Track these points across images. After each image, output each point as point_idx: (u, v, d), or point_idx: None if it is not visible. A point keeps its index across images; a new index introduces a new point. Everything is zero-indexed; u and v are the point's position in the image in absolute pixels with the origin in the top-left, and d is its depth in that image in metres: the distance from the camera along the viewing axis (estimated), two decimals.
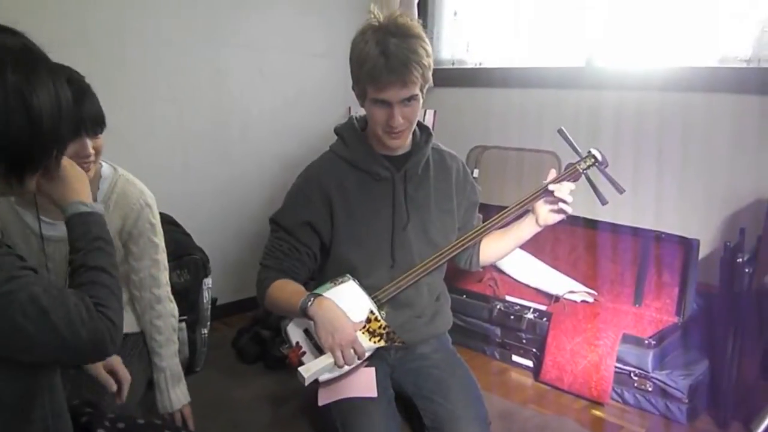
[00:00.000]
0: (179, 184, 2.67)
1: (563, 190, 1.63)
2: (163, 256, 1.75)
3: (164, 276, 1.76)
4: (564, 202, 1.63)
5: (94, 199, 1.58)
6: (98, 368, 1.31)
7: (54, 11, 2.18)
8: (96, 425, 1.24)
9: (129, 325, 1.75)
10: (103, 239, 1.12)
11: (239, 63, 2.81)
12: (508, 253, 1.85)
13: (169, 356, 1.75)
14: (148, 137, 2.54)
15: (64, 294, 0.94)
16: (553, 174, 1.69)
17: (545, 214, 1.68)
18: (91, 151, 1.43)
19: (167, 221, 2.30)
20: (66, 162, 1.13)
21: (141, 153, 2.45)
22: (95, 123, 1.43)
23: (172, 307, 1.79)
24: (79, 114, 1.38)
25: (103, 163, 1.64)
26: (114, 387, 1.29)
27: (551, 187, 1.64)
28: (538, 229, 1.72)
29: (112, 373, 1.31)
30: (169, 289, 1.78)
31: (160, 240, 1.73)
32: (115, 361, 1.33)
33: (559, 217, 1.67)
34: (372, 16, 1.55)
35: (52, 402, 1.02)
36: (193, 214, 2.62)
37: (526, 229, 1.73)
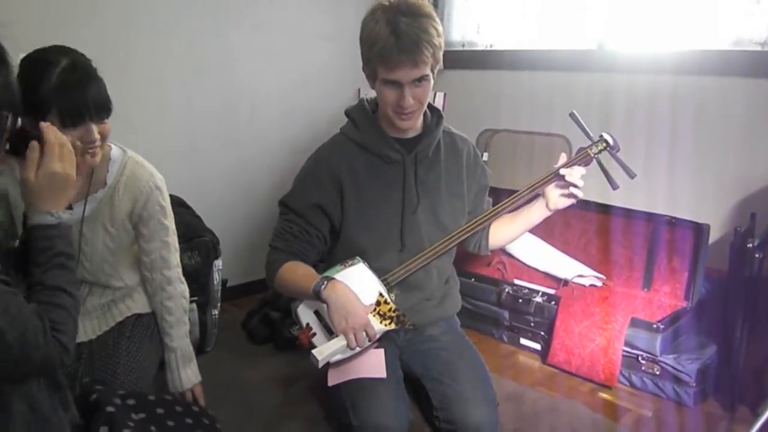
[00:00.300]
0: (189, 166, 2.67)
1: (574, 174, 1.63)
2: (173, 238, 1.75)
3: (175, 257, 1.77)
4: (575, 186, 1.63)
5: (103, 183, 1.60)
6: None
7: None
8: (105, 403, 1.25)
9: (141, 305, 1.78)
10: (65, 255, 1.08)
11: (248, 45, 2.81)
12: (517, 237, 1.85)
13: (180, 336, 1.77)
14: (157, 120, 2.55)
15: (23, 315, 0.93)
16: (563, 158, 1.68)
17: (556, 198, 1.68)
18: (97, 136, 1.43)
19: (178, 203, 2.32)
20: (58, 166, 1.08)
21: (150, 136, 2.45)
22: (100, 109, 1.41)
23: (183, 288, 1.80)
24: (83, 99, 1.37)
25: (112, 146, 1.64)
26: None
27: (562, 171, 1.63)
28: (548, 214, 1.71)
29: None
30: (180, 270, 1.79)
31: (170, 222, 1.74)
32: None
33: (570, 201, 1.67)
34: None
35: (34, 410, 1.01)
36: (203, 196, 2.63)
37: (536, 213, 1.73)
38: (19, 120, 1.01)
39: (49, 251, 1.07)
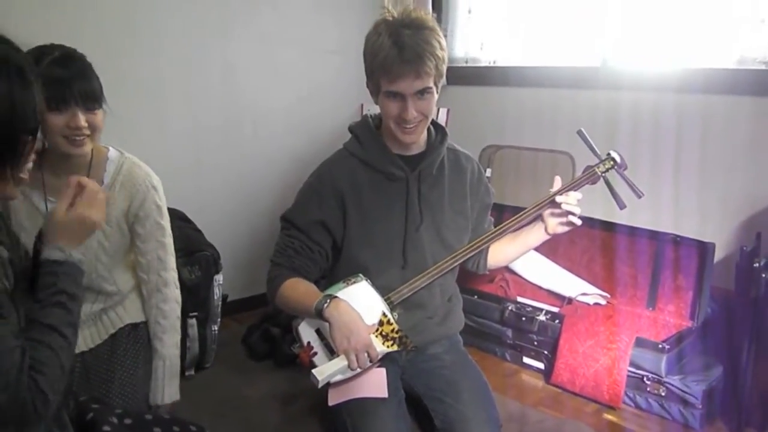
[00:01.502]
0: (191, 180, 2.66)
1: (570, 201, 1.61)
2: (170, 240, 1.75)
3: (171, 260, 1.75)
4: (572, 213, 1.61)
5: (100, 182, 1.60)
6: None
7: (67, 2, 2.18)
8: (102, 422, 1.23)
9: (134, 314, 1.76)
10: (66, 293, 1.07)
11: (251, 58, 2.81)
12: (515, 259, 1.85)
13: (171, 345, 1.74)
14: (159, 133, 2.54)
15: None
16: (558, 182, 1.66)
17: (554, 224, 1.66)
18: (84, 124, 1.46)
19: (179, 217, 2.31)
20: (92, 213, 1.13)
21: (152, 148, 2.42)
22: (87, 97, 1.45)
23: (178, 294, 1.78)
24: (68, 84, 1.42)
25: (110, 148, 1.66)
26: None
27: (558, 199, 1.61)
28: (547, 238, 1.70)
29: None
30: (176, 275, 1.78)
31: (166, 223, 1.73)
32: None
33: (567, 228, 1.65)
34: (386, 11, 1.54)
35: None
36: (204, 210, 2.61)
37: (535, 236, 1.71)
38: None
39: (52, 288, 1.06)
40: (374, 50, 1.51)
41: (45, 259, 1.09)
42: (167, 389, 1.71)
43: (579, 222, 1.62)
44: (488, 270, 1.86)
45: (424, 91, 1.52)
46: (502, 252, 1.80)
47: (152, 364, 1.72)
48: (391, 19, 1.52)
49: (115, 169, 1.64)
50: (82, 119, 1.45)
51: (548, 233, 1.68)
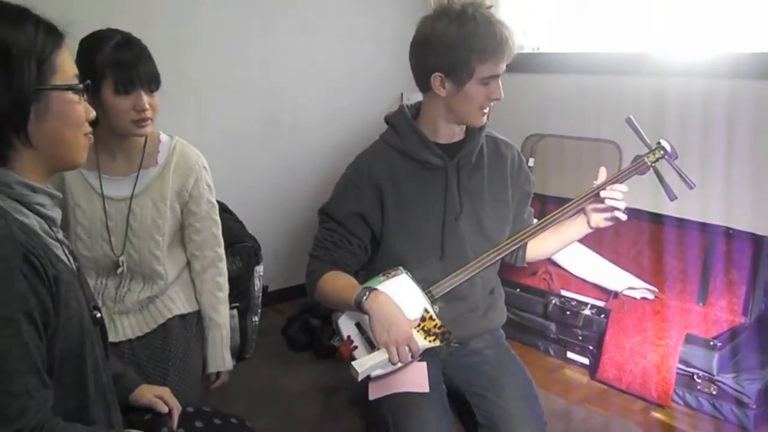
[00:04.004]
0: (231, 171, 2.67)
1: (615, 195, 1.54)
2: (218, 216, 1.81)
3: (221, 237, 1.82)
4: (617, 208, 1.55)
5: (155, 163, 1.67)
6: (144, 396, 1.29)
7: None
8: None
9: (181, 305, 1.77)
10: None
11: (289, 50, 2.80)
12: (555, 252, 1.80)
13: (226, 315, 1.80)
14: (199, 125, 2.56)
15: (13, 382, 0.85)
16: (603, 173, 1.59)
17: (597, 219, 1.60)
18: (147, 106, 1.52)
19: (220, 208, 2.30)
20: None
21: (192, 141, 2.42)
22: (150, 79, 1.52)
23: (226, 285, 1.83)
24: (135, 68, 1.48)
25: (161, 132, 1.72)
26: (165, 408, 1.28)
27: (602, 194, 1.55)
28: (589, 231, 1.64)
29: (162, 399, 1.30)
30: (222, 263, 1.83)
31: (215, 201, 1.80)
32: (164, 390, 1.32)
33: (611, 222, 1.59)
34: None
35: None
36: (244, 201, 2.62)
37: (576, 229, 1.65)
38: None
39: None
40: (466, 37, 1.46)
41: None
42: (227, 356, 1.77)
43: (624, 217, 1.55)
44: (526, 263, 1.81)
45: None
46: (541, 245, 1.74)
47: (208, 335, 1.78)
48: (454, 6, 1.50)
49: (169, 151, 1.70)
50: (146, 101, 1.51)
51: (591, 227, 1.62)
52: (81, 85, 0.99)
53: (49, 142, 0.96)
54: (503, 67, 1.52)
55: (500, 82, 1.54)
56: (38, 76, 0.92)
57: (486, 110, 1.57)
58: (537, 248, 1.75)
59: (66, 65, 0.97)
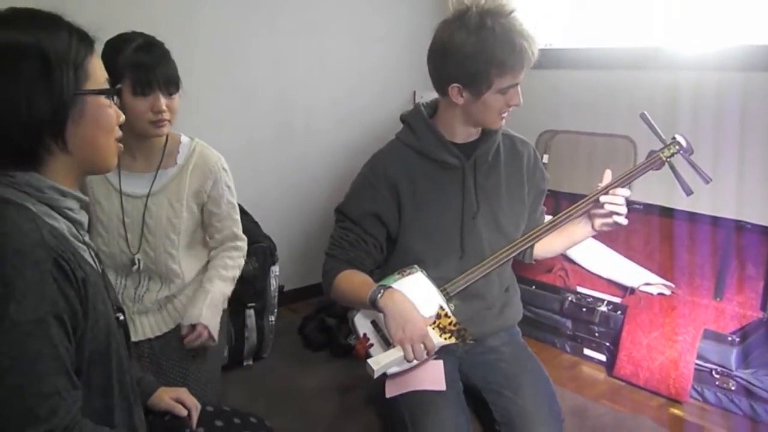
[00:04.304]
0: (246, 173, 2.68)
1: (615, 200, 1.53)
2: (239, 216, 1.85)
3: (241, 231, 1.86)
4: (617, 213, 1.54)
5: (174, 163, 1.72)
6: (163, 400, 1.30)
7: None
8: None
9: None
10: None
11: (300, 51, 2.81)
12: (562, 251, 1.82)
13: (221, 292, 1.75)
14: (213, 127, 2.56)
15: (44, 383, 0.86)
16: (608, 176, 1.59)
17: (598, 222, 1.60)
18: (164, 107, 1.55)
19: None
20: None
21: (207, 143, 2.47)
22: (168, 82, 1.56)
23: (242, 263, 1.86)
24: (152, 70, 1.52)
25: (182, 134, 1.76)
26: (184, 412, 1.29)
27: (602, 199, 1.55)
28: (593, 233, 1.64)
29: (180, 401, 1.32)
30: (244, 243, 1.88)
31: (235, 201, 1.84)
32: (182, 392, 1.33)
33: (611, 228, 1.59)
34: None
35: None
36: (259, 202, 2.64)
37: (581, 231, 1.65)
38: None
39: None
40: (485, 50, 1.44)
41: None
42: (205, 312, 1.68)
43: (624, 222, 1.55)
44: (534, 260, 1.81)
45: None
46: (549, 244, 1.74)
47: (194, 296, 1.74)
48: (473, 13, 1.46)
49: (188, 152, 1.74)
50: (163, 103, 1.55)
51: (594, 229, 1.62)
52: (113, 90, 1.01)
53: (83, 147, 0.97)
54: (523, 76, 1.51)
55: (519, 88, 1.53)
56: (75, 81, 0.94)
57: (505, 114, 1.57)
58: (545, 247, 1.76)
59: (98, 70, 0.99)
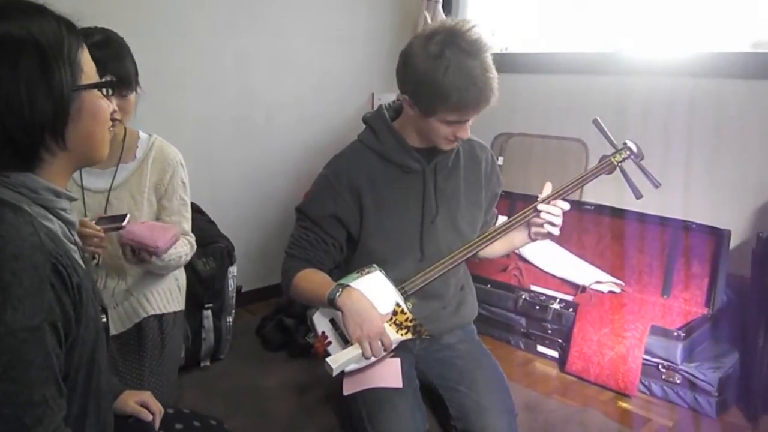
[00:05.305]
0: (204, 171, 2.67)
1: (552, 211, 1.59)
2: (190, 213, 1.85)
3: (189, 227, 1.85)
4: (550, 224, 1.59)
5: (133, 158, 1.72)
6: (128, 404, 1.29)
7: None
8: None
9: (156, 306, 1.79)
10: None
11: (262, 49, 2.80)
12: (501, 255, 1.84)
13: (162, 264, 1.71)
14: (172, 125, 2.53)
15: (35, 391, 0.84)
16: (548, 188, 1.64)
17: (534, 231, 1.65)
18: (114, 107, 1.47)
19: (193, 209, 2.31)
20: None
21: (165, 138, 2.45)
22: (119, 82, 1.52)
23: (189, 250, 1.81)
24: (102, 71, 1.42)
25: (140, 131, 1.79)
26: (149, 417, 1.29)
27: (539, 207, 1.60)
28: (530, 242, 1.70)
29: (145, 405, 1.31)
30: (193, 239, 1.86)
31: (189, 199, 1.83)
32: (146, 395, 1.33)
33: (545, 237, 1.64)
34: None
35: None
36: (217, 201, 2.63)
37: (519, 238, 1.71)
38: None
39: None
40: (444, 89, 1.43)
41: None
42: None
43: (556, 233, 1.61)
44: (477, 259, 1.83)
45: None
46: (491, 247, 1.77)
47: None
48: (448, 42, 1.43)
49: (147, 147, 1.77)
50: (114, 103, 1.47)
51: (531, 238, 1.68)
52: (109, 82, 0.98)
53: (80, 142, 0.94)
54: (471, 116, 1.51)
55: (468, 126, 1.53)
56: (71, 77, 0.91)
57: (454, 142, 1.57)
58: (487, 250, 1.78)
59: (89, 62, 0.96)
